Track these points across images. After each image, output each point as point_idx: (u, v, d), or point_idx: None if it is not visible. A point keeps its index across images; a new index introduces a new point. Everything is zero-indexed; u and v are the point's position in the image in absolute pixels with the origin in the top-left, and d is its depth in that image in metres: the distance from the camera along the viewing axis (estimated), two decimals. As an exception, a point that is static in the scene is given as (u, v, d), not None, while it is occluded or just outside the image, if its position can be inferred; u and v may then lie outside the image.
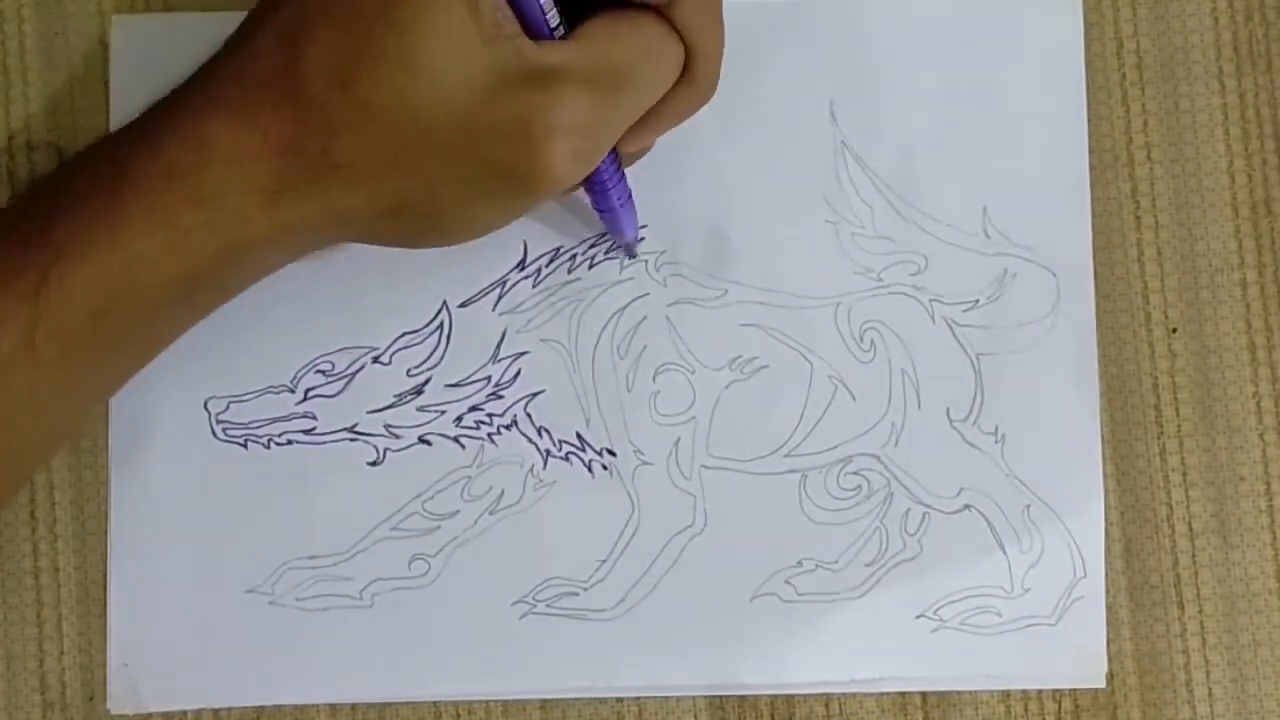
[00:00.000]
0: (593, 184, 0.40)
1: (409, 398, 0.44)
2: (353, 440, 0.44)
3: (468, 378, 0.44)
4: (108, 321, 0.35)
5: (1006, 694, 0.44)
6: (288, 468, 0.43)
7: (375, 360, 0.44)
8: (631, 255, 0.44)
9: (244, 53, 0.35)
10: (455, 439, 0.44)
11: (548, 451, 0.44)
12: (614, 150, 0.39)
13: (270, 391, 0.44)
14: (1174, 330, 0.45)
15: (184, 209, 0.35)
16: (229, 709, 0.43)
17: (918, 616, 0.43)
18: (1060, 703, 0.44)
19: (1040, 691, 0.44)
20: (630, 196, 0.41)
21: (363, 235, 0.37)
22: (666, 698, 0.43)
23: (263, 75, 0.35)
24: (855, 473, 0.44)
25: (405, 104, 0.34)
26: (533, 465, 0.44)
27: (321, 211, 0.35)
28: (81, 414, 0.40)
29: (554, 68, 0.35)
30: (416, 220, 0.37)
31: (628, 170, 0.41)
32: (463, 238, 0.38)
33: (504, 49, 0.34)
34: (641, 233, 0.44)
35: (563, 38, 0.36)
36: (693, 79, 0.38)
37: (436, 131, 0.34)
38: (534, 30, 0.35)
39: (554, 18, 0.36)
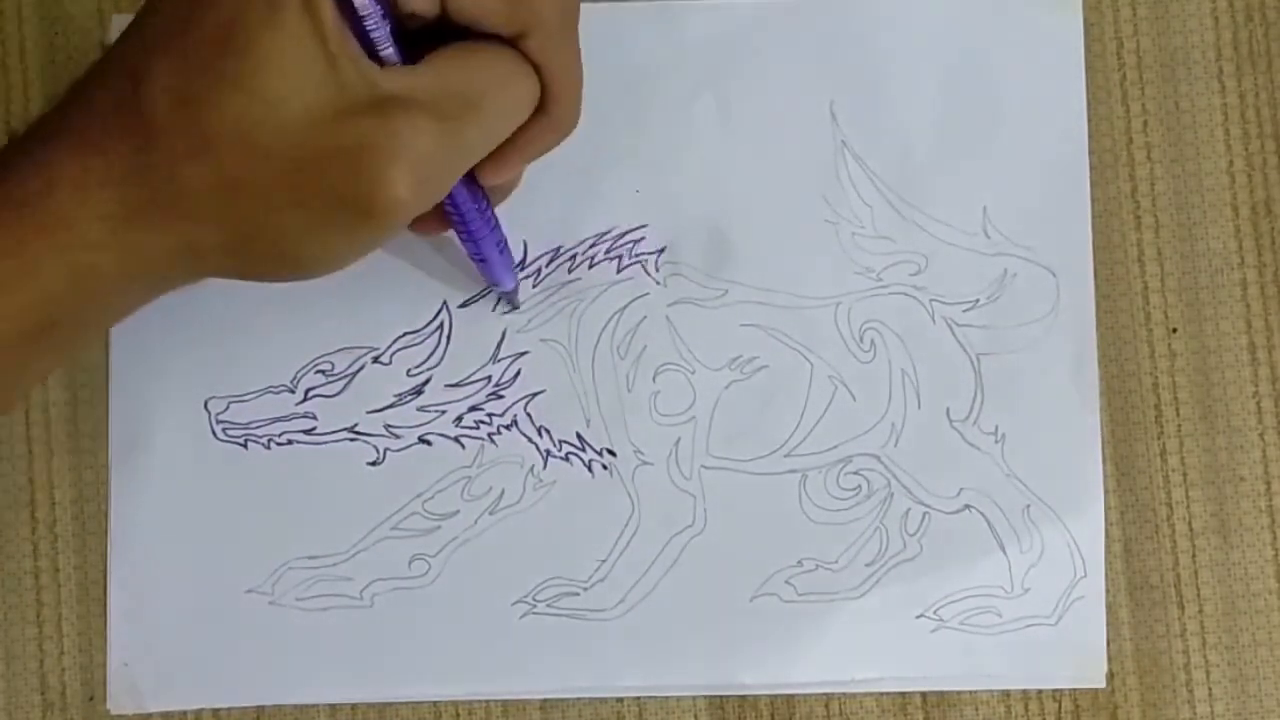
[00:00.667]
0: (459, 221, 0.39)
1: (409, 398, 0.44)
2: (353, 440, 0.44)
3: (468, 378, 0.44)
4: None
5: (1006, 694, 0.44)
6: (288, 468, 0.43)
7: (375, 360, 0.44)
8: (513, 305, 0.43)
9: (93, 83, 0.35)
10: (455, 439, 0.44)
11: (548, 451, 0.44)
12: (481, 190, 0.39)
13: (270, 391, 0.44)
14: (1174, 330, 0.45)
15: (32, 236, 0.34)
16: (229, 709, 0.43)
17: (918, 616, 0.43)
18: (1060, 703, 0.44)
19: (1040, 691, 0.44)
20: (506, 244, 0.41)
21: (219, 269, 0.36)
22: (666, 698, 0.43)
23: (109, 103, 0.34)
24: (855, 473, 0.44)
25: (245, 130, 0.33)
26: (533, 465, 0.44)
27: (171, 242, 0.35)
28: None
29: (398, 94, 0.34)
30: (265, 251, 0.36)
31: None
32: (318, 270, 0.37)
33: (347, 73, 0.33)
34: (642, 232, 0.44)
35: (411, 65, 0.35)
36: (549, 111, 0.38)
37: (277, 158, 0.34)
38: (377, 57, 0.35)
39: (391, 50, 0.35)
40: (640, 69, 0.45)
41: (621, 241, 0.44)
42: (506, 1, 0.35)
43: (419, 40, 0.35)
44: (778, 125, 0.44)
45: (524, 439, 0.44)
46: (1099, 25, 0.45)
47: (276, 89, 0.33)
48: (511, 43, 0.36)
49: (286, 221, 0.35)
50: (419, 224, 0.38)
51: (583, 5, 0.44)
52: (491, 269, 0.41)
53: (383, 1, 0.34)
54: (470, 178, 0.38)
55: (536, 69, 0.37)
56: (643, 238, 0.44)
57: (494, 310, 0.44)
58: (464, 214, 0.39)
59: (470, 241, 0.40)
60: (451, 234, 0.40)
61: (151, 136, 0.34)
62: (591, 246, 0.44)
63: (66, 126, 0.34)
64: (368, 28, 0.34)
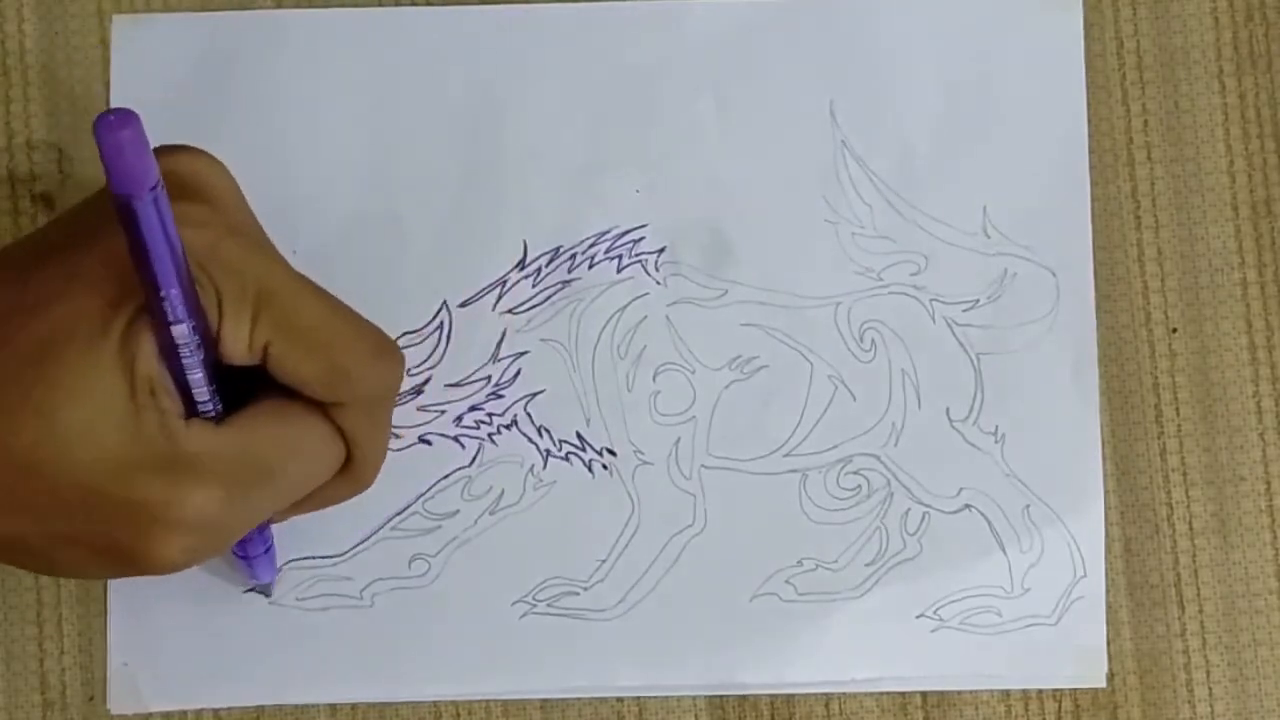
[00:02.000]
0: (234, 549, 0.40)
1: (409, 397, 0.44)
2: (353, 440, 0.44)
3: (468, 377, 0.44)
4: None
5: (1006, 694, 0.44)
6: (288, 467, 0.43)
7: (375, 360, 0.44)
8: (267, 595, 0.43)
9: None
10: (455, 439, 0.44)
11: (548, 451, 0.44)
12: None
13: (270, 391, 0.44)
14: (1174, 330, 0.45)
15: None
16: (229, 709, 0.43)
17: (918, 616, 0.43)
18: (1060, 703, 0.44)
19: (1040, 691, 0.43)
20: (270, 546, 0.41)
21: None
22: (666, 698, 0.43)
23: None
24: (855, 472, 0.44)
25: (35, 459, 0.33)
26: (533, 465, 0.44)
27: None
28: None
29: (194, 456, 0.34)
30: (28, 565, 0.36)
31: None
32: (67, 577, 0.39)
33: (148, 423, 0.33)
34: (642, 232, 0.44)
35: (219, 419, 0.35)
36: (352, 475, 0.38)
37: (60, 493, 0.33)
38: (196, 407, 0.34)
39: (208, 401, 0.34)
40: (640, 69, 0.45)
41: (621, 241, 0.44)
42: (328, 374, 0.35)
43: (239, 378, 0.35)
44: (778, 125, 0.44)
45: (524, 439, 0.44)
46: (1099, 25, 0.45)
47: (76, 428, 0.32)
48: (327, 407, 0.36)
49: (55, 549, 0.35)
50: None
51: (583, 5, 0.45)
52: (250, 570, 0.42)
53: (208, 351, 0.34)
54: None
55: (345, 436, 0.37)
56: (643, 238, 0.44)
57: (494, 310, 0.44)
58: (241, 543, 0.40)
59: (240, 548, 0.41)
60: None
61: None
62: (591, 246, 0.44)
63: None
64: (189, 377, 0.33)
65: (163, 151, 0.35)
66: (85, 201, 0.37)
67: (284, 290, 0.35)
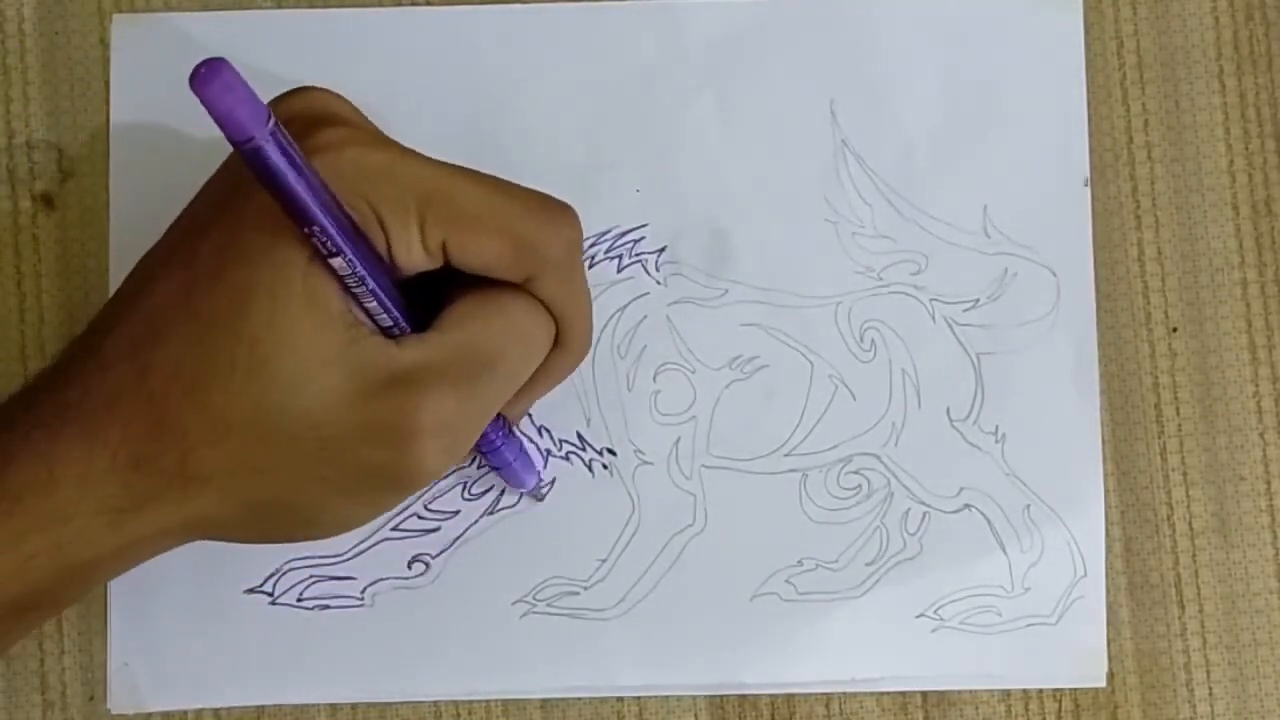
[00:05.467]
0: (481, 450, 0.40)
1: (409, 397, 0.44)
2: (353, 440, 0.44)
3: (468, 377, 0.44)
4: None
5: (1006, 694, 0.44)
6: (288, 467, 0.43)
7: (375, 360, 0.44)
8: (539, 498, 0.43)
9: (94, 361, 0.34)
10: (455, 439, 0.44)
11: (548, 451, 0.44)
12: (501, 418, 0.39)
13: (270, 391, 0.44)
14: (1174, 330, 0.45)
15: (30, 533, 0.33)
16: (229, 709, 0.43)
17: (918, 616, 0.43)
18: (1060, 702, 0.44)
19: (1040, 691, 0.43)
20: (523, 450, 0.42)
21: (222, 536, 0.36)
22: (666, 697, 0.43)
23: (112, 387, 0.33)
24: (855, 472, 0.44)
25: (262, 415, 0.33)
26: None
27: (176, 521, 0.34)
28: None
29: (415, 367, 0.34)
30: (280, 521, 0.36)
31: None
32: (330, 534, 0.37)
33: (361, 353, 0.33)
34: (642, 232, 0.44)
35: (425, 329, 0.35)
36: (565, 344, 0.38)
37: (298, 439, 0.33)
38: (388, 329, 0.34)
39: (396, 318, 0.34)
40: (640, 69, 0.45)
41: (621, 241, 0.44)
42: (512, 249, 0.35)
43: (427, 284, 0.35)
44: (778, 125, 0.45)
45: (524, 438, 0.44)
46: (1099, 25, 0.45)
47: (293, 375, 0.33)
48: (521, 285, 0.36)
49: (307, 496, 0.35)
50: None
51: (583, 5, 0.45)
52: (516, 476, 0.42)
53: (382, 269, 0.34)
54: None
55: (548, 307, 0.36)
56: (643, 237, 0.44)
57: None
58: (488, 442, 0.40)
59: (495, 459, 0.41)
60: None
61: (161, 424, 0.33)
62: (591, 246, 0.44)
63: (67, 410, 0.33)
64: (365, 305, 0.34)
65: (282, 99, 0.35)
66: (219, 170, 0.37)
67: (442, 184, 0.34)
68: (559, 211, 0.36)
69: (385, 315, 0.34)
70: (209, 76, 0.28)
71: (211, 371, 0.33)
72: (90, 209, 0.44)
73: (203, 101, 0.28)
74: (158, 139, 0.44)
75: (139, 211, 0.44)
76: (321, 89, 0.36)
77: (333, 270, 0.33)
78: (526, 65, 0.44)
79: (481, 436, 0.39)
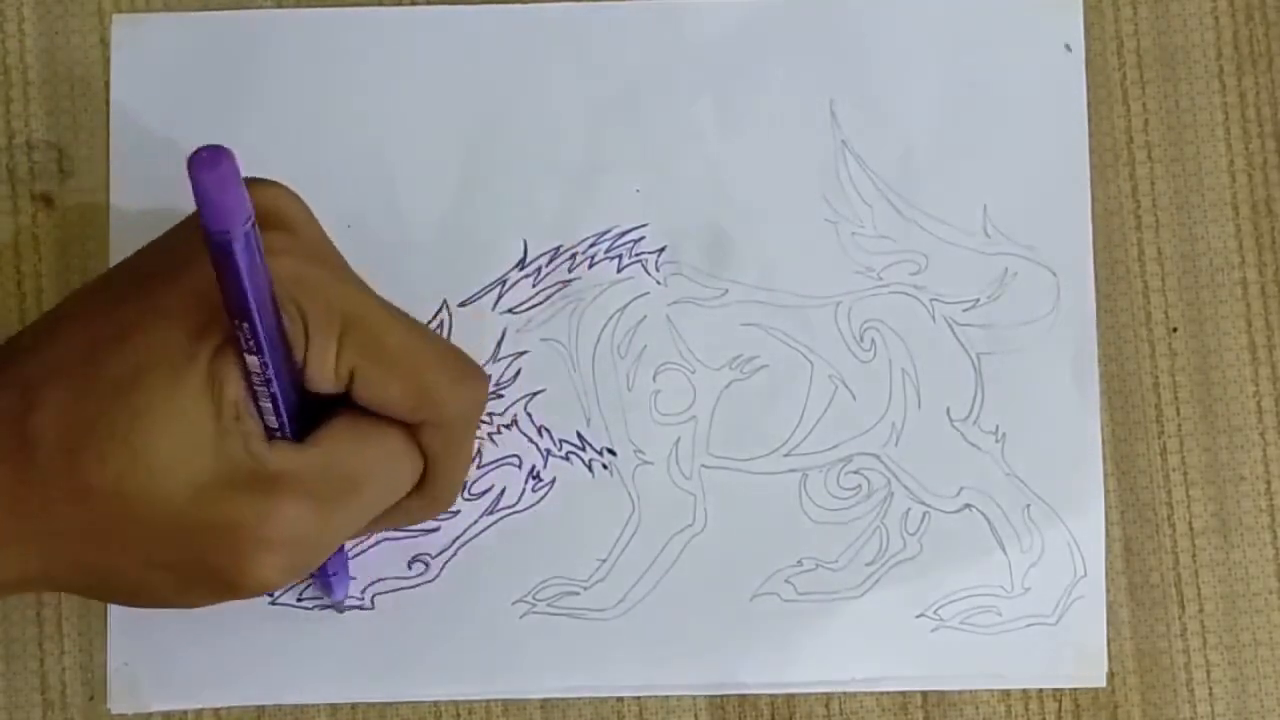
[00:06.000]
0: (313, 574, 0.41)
1: (409, 397, 0.44)
2: (353, 440, 0.44)
3: (468, 377, 0.44)
4: None
5: (1006, 694, 0.44)
6: (288, 467, 0.43)
7: (375, 360, 0.44)
8: (339, 610, 0.43)
9: (1, 378, 0.34)
10: (455, 438, 0.44)
11: (548, 451, 0.44)
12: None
13: (270, 391, 0.44)
14: (1174, 330, 0.45)
15: None
16: (229, 709, 0.43)
17: (918, 616, 0.43)
18: (1060, 702, 0.44)
19: (1040, 691, 0.43)
20: (345, 565, 0.42)
21: (52, 589, 0.37)
22: (666, 697, 0.43)
23: (2, 415, 0.34)
24: (855, 472, 0.44)
25: (124, 490, 0.33)
26: (533, 465, 0.44)
27: (30, 570, 0.34)
28: None
29: (281, 474, 0.34)
30: (121, 595, 0.36)
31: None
32: (155, 607, 0.39)
33: (234, 446, 0.33)
34: (642, 232, 0.44)
35: (300, 440, 0.35)
36: (430, 494, 0.38)
37: (151, 522, 0.33)
38: (271, 431, 0.34)
39: (288, 427, 0.35)
40: (640, 69, 0.45)
41: (621, 241, 0.44)
42: (415, 396, 0.35)
43: (315, 400, 0.35)
44: (778, 125, 0.45)
45: (524, 438, 0.44)
46: (1099, 25, 0.45)
47: (163, 455, 0.33)
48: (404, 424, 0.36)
49: (149, 577, 0.35)
50: None
51: (583, 5, 0.45)
52: (327, 586, 0.42)
53: (291, 377, 0.34)
54: None
55: (424, 454, 0.37)
56: (643, 237, 0.44)
57: (494, 310, 0.44)
58: (321, 568, 0.40)
59: (319, 581, 0.41)
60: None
61: (33, 468, 0.33)
62: (591, 246, 0.44)
63: None
64: (260, 405, 0.34)
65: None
66: (172, 231, 0.37)
67: (369, 315, 0.35)
68: (471, 373, 0.37)
69: (274, 419, 0.34)
70: (211, 163, 0.29)
71: (87, 432, 0.33)
72: (90, 209, 0.44)
73: (196, 185, 0.29)
74: (158, 139, 0.44)
75: (139, 211, 0.44)
76: (280, 186, 0.36)
77: (243, 364, 0.33)
78: (526, 65, 0.44)
79: (321, 570, 0.40)
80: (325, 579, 0.41)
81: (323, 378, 0.34)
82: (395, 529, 0.40)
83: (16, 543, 0.34)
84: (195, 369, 0.33)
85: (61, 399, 0.33)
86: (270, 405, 0.34)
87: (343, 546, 0.41)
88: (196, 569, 0.34)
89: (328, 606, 0.43)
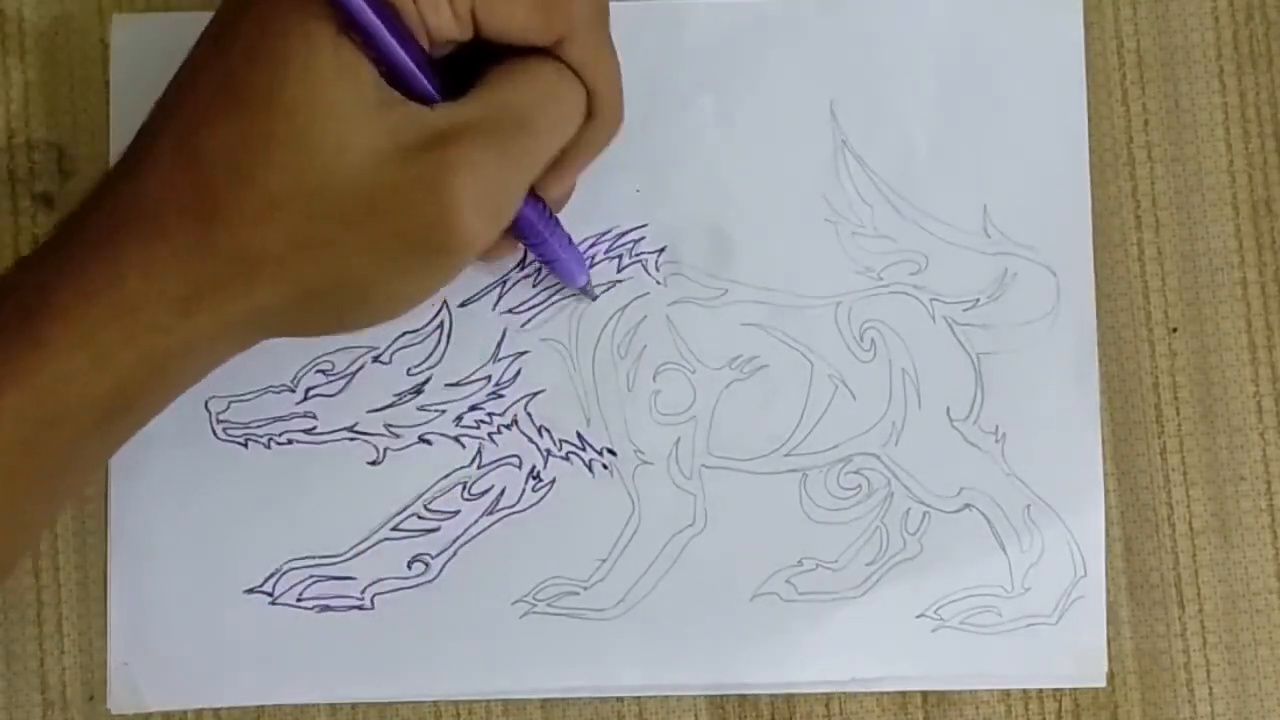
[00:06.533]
0: (527, 237, 0.40)
1: (409, 397, 0.44)
2: (353, 440, 0.44)
3: (468, 377, 0.44)
4: (40, 452, 0.35)
5: (1006, 693, 0.44)
6: (288, 467, 0.43)
7: (375, 359, 0.44)
8: (591, 297, 0.44)
9: (145, 160, 0.35)
10: (455, 438, 0.44)
11: (548, 451, 0.44)
12: (540, 200, 0.39)
13: (271, 391, 0.44)
14: (1174, 330, 0.45)
15: (102, 326, 0.34)
16: (229, 709, 0.43)
17: (918, 616, 0.43)
18: (1060, 702, 0.44)
19: (1040, 691, 0.44)
20: (571, 242, 0.42)
21: (285, 328, 0.37)
22: (666, 697, 0.43)
23: (164, 179, 0.34)
24: (855, 472, 0.44)
25: (306, 186, 0.34)
26: (533, 465, 0.44)
27: (240, 311, 0.35)
28: (18, 547, 0.39)
29: (450, 126, 0.34)
30: (337, 302, 0.36)
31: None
32: (386, 315, 0.38)
33: (395, 115, 0.34)
34: (642, 232, 0.44)
35: (457, 97, 0.35)
36: (597, 112, 0.38)
37: (343, 208, 0.34)
38: (420, 99, 0.35)
39: (427, 85, 0.35)
40: (640, 69, 0.45)
41: (621, 241, 0.44)
42: (540, 12, 0.36)
43: (459, 64, 0.36)
44: (778, 125, 0.45)
45: (524, 438, 0.44)
46: (1099, 25, 0.45)
47: (332, 142, 0.33)
48: (550, 52, 0.36)
49: (360, 269, 0.35)
50: (489, 249, 0.38)
51: (583, 3, 0.44)
52: (567, 269, 0.42)
53: (412, 40, 0.34)
54: (530, 193, 0.38)
55: (577, 73, 0.37)
56: (643, 237, 0.44)
57: (494, 310, 0.44)
58: (534, 228, 0.39)
59: (544, 251, 0.41)
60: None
61: (214, 210, 0.34)
62: (591, 246, 0.44)
63: (125, 207, 0.34)
64: (397, 75, 0.34)
65: None
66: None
67: None
68: None
69: (416, 85, 0.35)
70: None
71: (253, 148, 0.34)
72: (90, 209, 0.44)
73: None
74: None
75: (139, 211, 0.44)
76: None
77: (364, 40, 0.34)
78: (526, 65, 0.44)
79: (528, 227, 0.39)
80: (559, 263, 0.41)
81: (443, 25, 0.35)
82: (586, 165, 0.40)
83: (218, 286, 0.34)
84: (322, 59, 0.33)
85: (219, 129, 0.34)
86: (406, 73, 0.34)
87: (556, 221, 0.40)
88: (404, 242, 0.35)
89: (583, 292, 0.43)
